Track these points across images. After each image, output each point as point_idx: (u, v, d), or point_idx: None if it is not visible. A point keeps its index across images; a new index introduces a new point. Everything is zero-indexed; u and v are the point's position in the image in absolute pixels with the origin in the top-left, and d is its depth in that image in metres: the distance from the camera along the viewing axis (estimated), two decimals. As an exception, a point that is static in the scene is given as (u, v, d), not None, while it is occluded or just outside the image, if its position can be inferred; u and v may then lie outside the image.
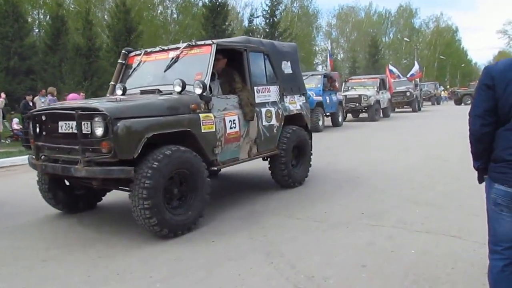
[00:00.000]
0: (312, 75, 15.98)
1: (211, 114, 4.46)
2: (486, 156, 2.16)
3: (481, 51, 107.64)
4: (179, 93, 4.39)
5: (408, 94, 21.76)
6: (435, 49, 59.25)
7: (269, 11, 40.62)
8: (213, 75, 5.19)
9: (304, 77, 16.27)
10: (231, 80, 5.02)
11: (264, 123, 5.27)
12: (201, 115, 4.34)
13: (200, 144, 4.29)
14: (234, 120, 4.75)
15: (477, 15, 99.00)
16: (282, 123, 5.61)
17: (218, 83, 5.10)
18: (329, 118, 15.94)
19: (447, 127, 13.97)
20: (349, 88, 18.40)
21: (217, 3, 35.89)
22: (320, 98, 14.57)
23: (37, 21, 31.18)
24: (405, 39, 55.19)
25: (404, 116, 20.10)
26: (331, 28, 57.89)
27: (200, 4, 36.55)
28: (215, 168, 4.73)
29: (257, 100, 5.21)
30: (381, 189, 5.71)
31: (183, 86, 4.35)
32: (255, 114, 5.07)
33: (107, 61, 20.77)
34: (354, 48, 53.25)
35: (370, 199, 5.19)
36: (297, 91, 6.09)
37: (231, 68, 5.12)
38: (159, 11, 42.74)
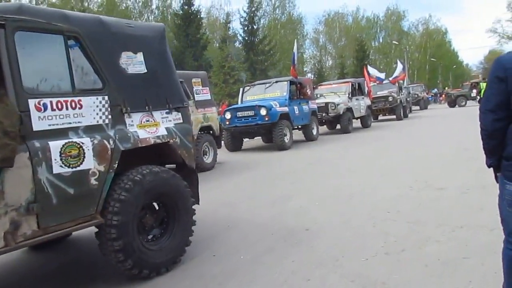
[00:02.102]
0: (276, 81, 13.31)
1: None
2: (499, 153, 2.03)
3: (471, 51, 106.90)
4: None
5: (390, 99, 18.52)
6: (425, 52, 57.21)
7: (247, 18, 38.19)
8: None
9: (267, 85, 13.97)
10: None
11: (57, 169, 2.64)
12: None
13: None
14: None
15: (465, 17, 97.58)
16: (115, 165, 3.02)
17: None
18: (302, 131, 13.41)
19: (441, 138, 11.18)
20: (318, 95, 15.67)
21: (190, 12, 33.67)
22: (285, 109, 12.02)
23: None
24: (394, 42, 53.14)
25: (388, 125, 17.27)
26: (319, 34, 55.87)
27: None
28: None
29: (38, 126, 2.59)
30: (333, 256, 3.35)
31: None
32: (26, 154, 2.48)
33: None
34: (342, 54, 51.01)
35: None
36: (160, 104, 3.46)
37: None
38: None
